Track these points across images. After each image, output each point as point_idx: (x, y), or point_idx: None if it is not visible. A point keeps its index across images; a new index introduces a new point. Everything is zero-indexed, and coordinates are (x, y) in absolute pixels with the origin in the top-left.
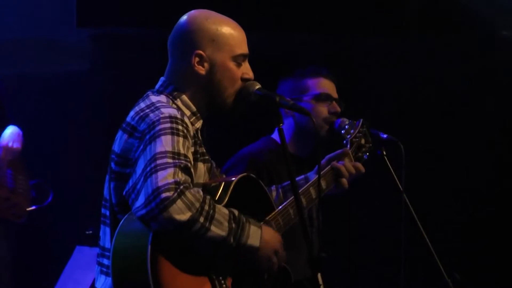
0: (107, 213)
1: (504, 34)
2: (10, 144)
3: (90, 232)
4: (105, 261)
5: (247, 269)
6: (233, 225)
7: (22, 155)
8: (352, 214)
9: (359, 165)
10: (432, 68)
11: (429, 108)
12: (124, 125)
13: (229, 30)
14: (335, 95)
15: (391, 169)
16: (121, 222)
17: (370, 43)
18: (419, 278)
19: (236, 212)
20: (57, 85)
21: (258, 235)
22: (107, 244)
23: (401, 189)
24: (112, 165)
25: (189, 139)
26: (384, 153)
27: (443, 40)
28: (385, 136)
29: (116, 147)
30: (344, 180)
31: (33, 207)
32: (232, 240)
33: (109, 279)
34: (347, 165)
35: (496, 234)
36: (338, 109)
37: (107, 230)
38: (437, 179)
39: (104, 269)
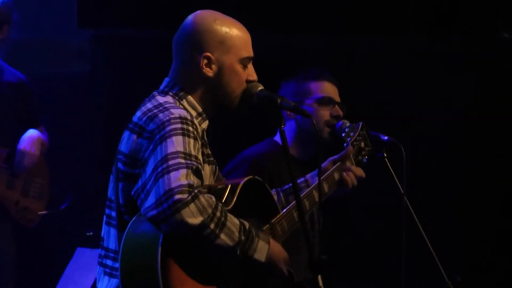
0: (113, 214)
1: (504, 35)
2: (28, 149)
3: (91, 233)
4: (109, 262)
5: (253, 281)
6: (243, 237)
7: (45, 158)
8: (352, 216)
9: (360, 171)
10: (433, 68)
11: (430, 108)
12: (131, 126)
13: (237, 33)
14: (337, 98)
15: (392, 171)
16: (130, 223)
17: (371, 43)
18: (420, 280)
19: (247, 225)
20: (58, 86)
21: (265, 250)
22: (111, 245)
23: (402, 191)
24: (120, 165)
25: (199, 140)
26: (385, 155)
27: (443, 40)
28: (385, 138)
29: (124, 147)
30: (348, 186)
31: (45, 212)
32: (239, 251)
33: (114, 280)
34: (351, 175)
35: (497, 236)
36: (341, 112)
37: (112, 231)
38: (438, 181)
39: (108, 270)
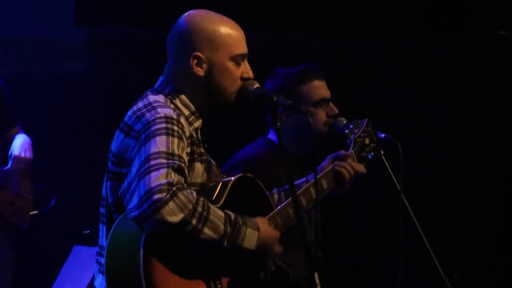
0: (105, 212)
1: (501, 32)
2: (23, 154)
3: (88, 231)
4: (103, 260)
5: (243, 269)
6: (229, 228)
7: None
8: (350, 214)
9: (360, 166)
10: (433, 68)
11: (430, 108)
12: (122, 125)
13: (227, 30)
14: (328, 94)
15: (389, 169)
16: (115, 222)
17: (371, 43)
18: (417, 278)
19: (232, 215)
20: (55, 85)
21: (254, 237)
22: (105, 243)
23: (399, 188)
24: (109, 164)
25: (184, 139)
26: (382, 152)
27: (443, 40)
28: (382, 135)
29: (113, 146)
30: (345, 180)
31: (35, 212)
32: (226, 243)
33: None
34: (347, 167)
35: (495, 234)
36: (336, 110)
37: (105, 229)
38: (438, 180)
39: (102, 268)
